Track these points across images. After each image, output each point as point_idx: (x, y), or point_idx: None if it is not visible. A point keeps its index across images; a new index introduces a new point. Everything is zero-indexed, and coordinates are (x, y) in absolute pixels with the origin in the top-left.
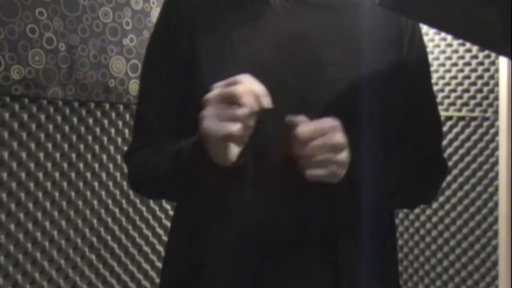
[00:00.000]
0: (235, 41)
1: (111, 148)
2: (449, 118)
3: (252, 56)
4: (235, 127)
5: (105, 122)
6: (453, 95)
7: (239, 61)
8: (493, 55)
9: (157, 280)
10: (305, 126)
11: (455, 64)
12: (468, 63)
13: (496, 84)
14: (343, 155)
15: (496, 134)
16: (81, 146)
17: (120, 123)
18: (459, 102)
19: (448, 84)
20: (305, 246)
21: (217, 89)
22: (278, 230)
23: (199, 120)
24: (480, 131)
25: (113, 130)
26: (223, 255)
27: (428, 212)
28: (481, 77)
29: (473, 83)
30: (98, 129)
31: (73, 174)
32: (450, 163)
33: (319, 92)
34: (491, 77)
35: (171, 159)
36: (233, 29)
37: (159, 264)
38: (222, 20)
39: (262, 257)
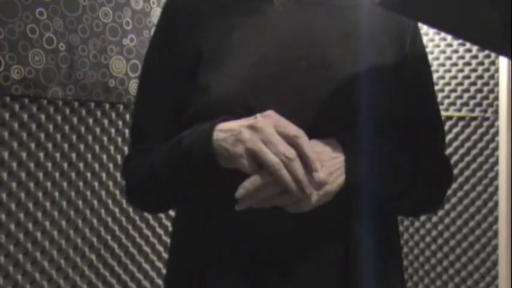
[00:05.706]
0: (238, 39)
1: (111, 148)
2: (449, 118)
3: (254, 54)
4: (277, 161)
5: (105, 122)
6: (453, 95)
7: (242, 60)
8: (493, 55)
9: (158, 280)
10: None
11: (455, 64)
12: (468, 63)
13: (496, 84)
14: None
15: (496, 134)
16: (81, 146)
17: (120, 123)
18: (459, 102)
19: (448, 84)
20: (311, 250)
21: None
22: (282, 235)
23: (241, 135)
24: (480, 131)
25: (113, 130)
26: (228, 256)
27: None
28: (481, 77)
29: (473, 83)
30: (98, 129)
31: (73, 174)
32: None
33: (325, 91)
34: (491, 77)
35: (174, 152)
36: (235, 28)
37: (159, 264)
38: (223, 19)
39: (267, 260)
